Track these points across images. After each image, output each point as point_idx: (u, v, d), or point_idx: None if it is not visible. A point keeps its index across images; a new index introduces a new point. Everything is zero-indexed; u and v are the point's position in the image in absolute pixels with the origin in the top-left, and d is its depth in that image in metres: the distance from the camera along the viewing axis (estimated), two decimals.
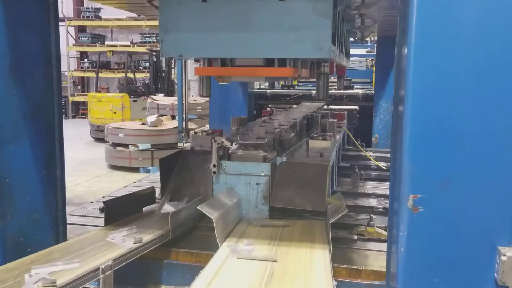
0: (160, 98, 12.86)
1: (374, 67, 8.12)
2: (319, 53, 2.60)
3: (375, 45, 8.02)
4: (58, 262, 2.15)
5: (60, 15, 2.83)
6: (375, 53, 7.93)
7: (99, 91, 17.30)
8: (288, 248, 2.48)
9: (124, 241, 2.44)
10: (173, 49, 2.81)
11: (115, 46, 18.96)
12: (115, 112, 13.14)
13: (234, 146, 3.15)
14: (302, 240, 2.61)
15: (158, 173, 3.52)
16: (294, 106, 6.18)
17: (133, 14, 16.66)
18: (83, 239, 2.55)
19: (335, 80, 4.87)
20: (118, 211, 2.94)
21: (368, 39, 9.13)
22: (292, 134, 3.80)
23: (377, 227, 2.90)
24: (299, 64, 2.87)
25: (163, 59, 14.77)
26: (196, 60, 3.14)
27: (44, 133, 2.60)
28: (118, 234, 2.55)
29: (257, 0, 2.67)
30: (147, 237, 2.57)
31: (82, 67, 20.02)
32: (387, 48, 6.09)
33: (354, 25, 4.17)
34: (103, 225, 2.84)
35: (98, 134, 12.70)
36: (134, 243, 2.42)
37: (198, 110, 11.51)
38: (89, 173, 8.62)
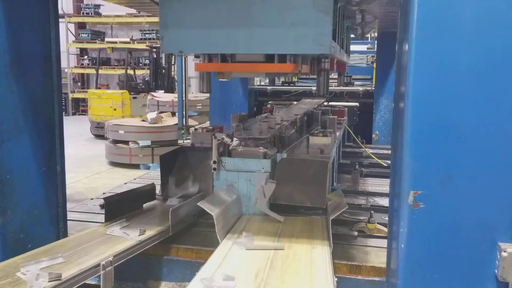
0: (160, 95, 12.85)
1: (374, 64, 8.11)
2: (319, 49, 2.60)
3: (376, 41, 8.00)
4: (43, 259, 2.13)
5: (60, 12, 2.82)
6: (375, 49, 7.92)
7: (99, 88, 17.29)
8: (288, 244, 2.48)
9: (127, 234, 2.47)
10: (173, 45, 2.80)
11: (115, 42, 18.93)
12: (115, 109, 13.13)
13: (235, 142, 3.15)
14: (302, 237, 2.61)
15: (158, 169, 3.52)
16: (295, 102, 6.18)
17: (133, 11, 16.63)
18: (82, 235, 2.55)
19: (336, 76, 4.86)
20: (118, 208, 2.94)
21: (368, 35, 9.12)
22: (293, 130, 3.80)
23: (377, 223, 2.91)
24: (300, 60, 2.86)
25: (163, 55, 14.73)
26: (196, 56, 3.14)
27: (44, 130, 2.60)
28: (117, 227, 2.59)
29: None
30: (147, 233, 2.57)
31: (82, 64, 19.99)
32: (387, 44, 6.07)
33: (354, 22, 4.16)
34: (103, 221, 2.84)
35: (98, 131, 12.68)
36: (139, 235, 2.48)
37: (198, 107, 11.50)
38: (89, 169, 8.62)
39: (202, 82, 3.05)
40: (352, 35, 5.38)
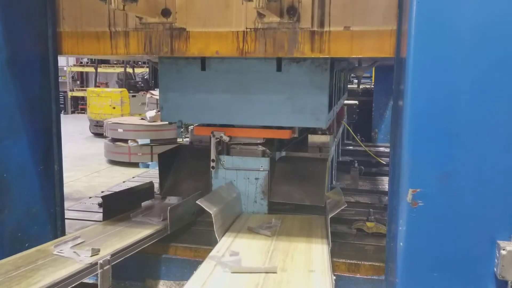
0: (159, 92, 12.81)
1: None
2: (316, 123, 2.76)
3: None
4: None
5: None
6: None
7: (98, 86, 17.25)
8: (287, 242, 2.47)
9: (77, 255, 2.19)
10: (173, 115, 2.94)
11: None
12: (114, 107, 13.10)
13: (233, 140, 3.14)
14: (301, 235, 2.60)
15: (157, 168, 3.51)
16: None
17: None
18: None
19: None
20: (117, 206, 2.93)
21: None
22: None
23: (376, 221, 2.89)
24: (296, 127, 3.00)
25: None
26: None
27: (42, 128, 2.59)
28: (65, 246, 2.31)
29: (255, 70, 2.73)
30: (145, 232, 2.56)
31: (81, 62, 19.93)
32: None
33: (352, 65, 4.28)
34: (101, 219, 2.83)
35: (97, 129, 12.66)
36: (91, 256, 2.17)
37: None
38: (88, 168, 8.61)
39: None
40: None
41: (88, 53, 2.56)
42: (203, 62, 2.81)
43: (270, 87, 2.73)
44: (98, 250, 2.22)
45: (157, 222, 2.67)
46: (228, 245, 2.41)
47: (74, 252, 2.22)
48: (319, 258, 2.25)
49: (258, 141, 3.03)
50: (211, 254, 2.27)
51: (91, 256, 2.17)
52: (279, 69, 2.71)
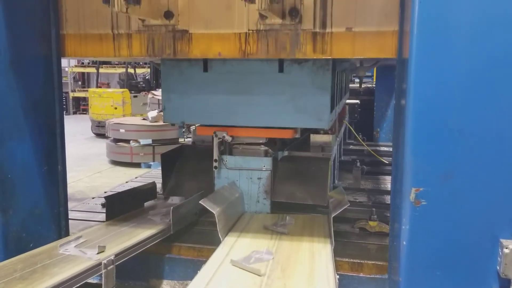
0: (161, 93, 12.82)
1: None
2: (318, 124, 2.76)
3: None
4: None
5: None
6: None
7: (100, 87, 17.27)
8: (289, 242, 2.48)
9: (84, 252, 2.23)
10: (175, 116, 2.95)
11: None
12: (116, 108, 13.12)
13: (236, 140, 3.15)
14: (304, 234, 2.61)
15: (160, 168, 3.52)
16: None
17: None
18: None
19: None
20: (120, 206, 2.94)
21: None
22: None
23: (379, 220, 2.90)
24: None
25: None
26: None
27: (45, 129, 2.60)
28: (69, 245, 2.33)
29: (258, 71, 2.74)
30: (148, 232, 2.57)
31: (83, 63, 19.96)
32: None
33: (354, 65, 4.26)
34: (104, 220, 2.84)
35: (99, 130, 12.68)
36: (97, 253, 2.21)
37: None
38: (90, 168, 8.62)
39: None
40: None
41: (91, 55, 2.57)
42: (206, 63, 2.82)
43: (272, 88, 2.74)
44: (104, 247, 2.25)
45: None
46: (232, 244, 2.42)
47: (80, 250, 2.24)
48: (322, 258, 2.26)
49: (260, 141, 3.04)
50: (214, 254, 2.29)
51: (98, 253, 2.19)
52: (281, 70, 2.72)
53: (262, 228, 2.70)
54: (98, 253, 2.19)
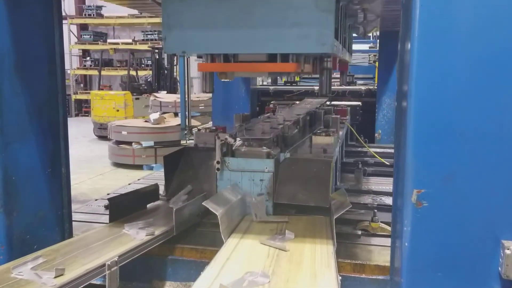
0: (163, 96, 12.85)
1: (376, 63, 8.10)
2: (322, 48, 2.60)
3: (378, 40, 7.99)
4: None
5: (62, 13, 2.83)
6: (377, 48, 7.91)
7: (102, 89, 17.31)
8: (292, 243, 2.48)
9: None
10: (176, 45, 2.81)
11: (117, 44, 18.94)
12: (118, 110, 13.14)
13: (238, 142, 3.16)
14: (306, 236, 2.62)
15: (162, 170, 3.54)
16: (297, 102, 6.18)
17: (135, 12, 16.63)
18: (88, 235, 2.56)
19: (338, 76, 4.87)
20: (123, 208, 2.96)
21: (370, 34, 9.10)
22: (295, 130, 3.80)
23: (381, 222, 2.91)
24: (302, 59, 2.87)
25: (165, 56, 14.76)
26: (199, 56, 3.14)
27: (49, 131, 2.62)
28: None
29: None
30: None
31: (85, 65, 20.01)
32: (389, 43, 6.07)
33: (356, 20, 4.17)
34: (107, 222, 2.86)
35: (101, 132, 12.70)
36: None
37: (200, 107, 11.51)
38: (93, 170, 8.64)
39: (205, 82, 3.07)
40: (354, 34, 5.37)
41: None
42: None
43: (274, 13, 2.67)
44: (63, 270, 2.00)
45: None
46: (234, 246, 2.42)
47: (35, 273, 1.97)
48: (324, 259, 2.26)
49: (265, 138, 3.02)
50: (217, 254, 2.30)
51: (55, 277, 1.95)
52: None
53: (259, 243, 2.51)
54: (55, 277, 1.94)
